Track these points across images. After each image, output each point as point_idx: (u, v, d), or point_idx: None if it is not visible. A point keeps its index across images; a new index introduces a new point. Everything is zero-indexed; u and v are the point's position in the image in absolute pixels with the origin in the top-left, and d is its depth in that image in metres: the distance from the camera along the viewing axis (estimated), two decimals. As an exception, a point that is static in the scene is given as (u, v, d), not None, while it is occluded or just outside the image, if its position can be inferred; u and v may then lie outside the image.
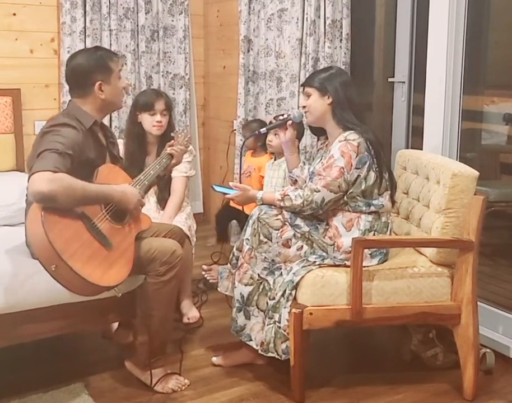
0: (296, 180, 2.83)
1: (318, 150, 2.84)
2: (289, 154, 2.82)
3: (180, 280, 2.72)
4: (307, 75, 3.59)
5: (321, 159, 2.69)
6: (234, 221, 3.95)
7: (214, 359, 2.78)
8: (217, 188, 2.76)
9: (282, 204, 2.58)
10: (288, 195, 2.57)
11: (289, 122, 2.74)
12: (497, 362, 2.75)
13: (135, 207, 2.42)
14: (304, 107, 2.68)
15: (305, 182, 2.76)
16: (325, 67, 2.98)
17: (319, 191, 2.52)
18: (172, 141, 2.77)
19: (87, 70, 2.42)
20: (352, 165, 2.51)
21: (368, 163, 2.54)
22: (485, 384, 2.64)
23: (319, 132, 2.79)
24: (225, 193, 2.74)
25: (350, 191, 2.55)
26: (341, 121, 2.60)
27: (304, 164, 2.84)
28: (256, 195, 2.67)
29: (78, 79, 2.45)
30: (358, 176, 2.53)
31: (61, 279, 2.18)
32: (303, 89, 2.70)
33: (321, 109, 2.62)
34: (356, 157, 2.51)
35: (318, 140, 2.97)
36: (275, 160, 3.50)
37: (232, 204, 3.39)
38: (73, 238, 2.21)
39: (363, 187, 2.56)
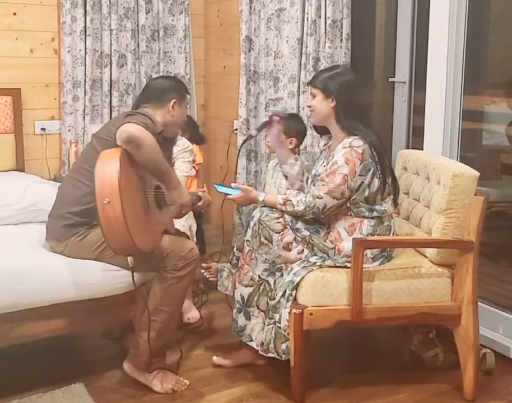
0: (286, 176, 2.83)
1: (321, 151, 2.83)
2: (277, 148, 2.86)
3: (191, 282, 2.75)
4: (307, 75, 3.60)
5: (323, 162, 2.68)
6: (238, 220, 3.94)
7: (214, 358, 2.78)
8: (219, 189, 2.75)
9: (283, 209, 2.57)
10: (290, 200, 2.56)
11: (276, 118, 2.78)
12: (497, 363, 2.75)
13: (182, 204, 2.55)
14: (309, 106, 2.67)
15: (298, 179, 2.77)
16: (331, 66, 2.93)
17: (322, 198, 2.51)
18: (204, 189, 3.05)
19: (169, 87, 2.72)
20: (355, 172, 2.49)
21: (372, 170, 2.53)
22: (486, 385, 2.64)
23: (323, 131, 2.76)
24: (227, 194, 2.72)
25: (354, 197, 2.54)
26: (345, 126, 2.58)
27: (296, 160, 2.83)
28: (258, 197, 2.66)
29: (157, 92, 2.70)
30: (362, 182, 2.52)
31: (106, 217, 2.25)
32: (310, 87, 2.69)
33: (325, 111, 2.61)
34: (360, 164, 2.50)
35: (321, 137, 2.96)
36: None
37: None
38: (132, 190, 2.35)
39: (366, 193, 2.55)
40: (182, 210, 2.60)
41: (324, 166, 2.62)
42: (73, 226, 2.51)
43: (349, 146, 2.51)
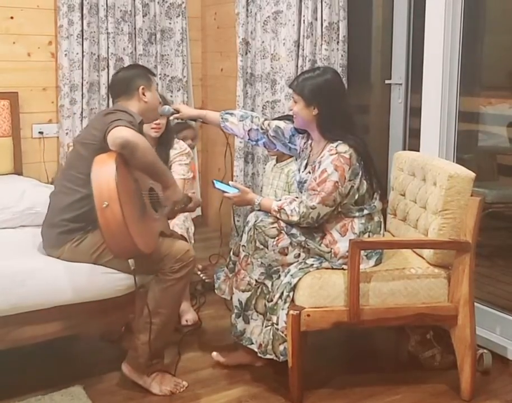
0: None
1: (302, 150, 2.78)
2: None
3: (188, 283, 2.76)
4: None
5: (306, 167, 2.66)
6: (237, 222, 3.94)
7: (214, 353, 2.79)
8: (217, 185, 2.75)
9: (277, 216, 2.58)
10: (284, 209, 2.56)
11: (170, 117, 3.02)
12: (494, 363, 2.76)
13: (176, 201, 2.58)
14: (290, 110, 2.68)
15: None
16: (312, 68, 2.85)
17: (315, 208, 2.51)
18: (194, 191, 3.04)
19: (132, 77, 2.70)
20: (345, 178, 2.50)
21: (360, 174, 2.54)
22: (483, 385, 2.65)
23: (304, 130, 2.74)
24: (224, 192, 2.72)
25: (344, 202, 2.55)
26: (326, 134, 2.58)
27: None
28: (255, 200, 2.66)
29: (123, 84, 2.69)
30: (352, 187, 2.53)
31: (104, 221, 2.26)
32: (292, 92, 2.67)
33: (307, 118, 2.60)
34: (349, 169, 2.50)
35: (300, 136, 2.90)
36: (277, 162, 3.48)
37: None
38: (129, 192, 2.37)
39: (356, 197, 2.56)
40: (175, 207, 2.62)
41: (310, 173, 2.61)
42: (68, 232, 2.51)
43: (336, 153, 2.50)
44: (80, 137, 2.64)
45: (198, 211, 4.80)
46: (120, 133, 2.32)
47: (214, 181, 2.78)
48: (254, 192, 2.84)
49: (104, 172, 2.28)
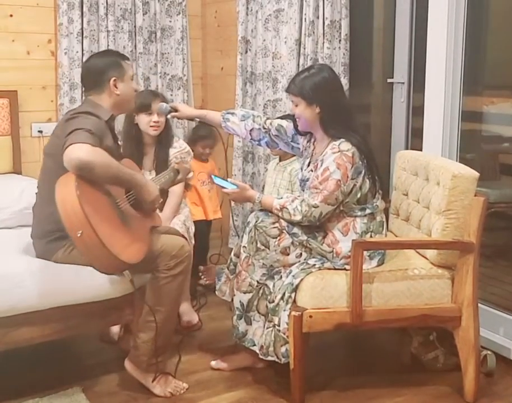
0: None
1: (305, 148, 2.76)
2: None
3: (186, 278, 2.73)
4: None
5: (310, 167, 2.64)
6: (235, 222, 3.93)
7: (213, 363, 2.76)
8: (216, 180, 2.73)
9: (279, 214, 2.55)
10: (286, 208, 2.53)
11: (168, 116, 2.96)
12: (498, 365, 2.74)
13: (153, 201, 2.48)
14: (293, 115, 2.64)
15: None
16: (306, 68, 2.79)
17: (318, 207, 2.49)
18: (180, 159, 2.91)
19: (102, 68, 2.56)
20: (348, 176, 2.48)
21: (363, 172, 2.52)
22: (486, 387, 2.63)
23: (305, 132, 2.72)
24: (222, 187, 2.69)
25: (347, 200, 2.53)
26: (330, 131, 2.55)
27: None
28: (255, 197, 2.64)
29: (94, 76, 2.57)
30: (354, 185, 2.51)
31: (84, 247, 2.22)
32: (288, 94, 2.64)
33: (311, 118, 2.57)
34: (352, 167, 2.48)
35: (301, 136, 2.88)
36: (280, 161, 3.46)
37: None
38: (100, 210, 2.28)
39: (358, 195, 2.54)
40: (155, 205, 2.54)
41: (312, 171, 2.59)
42: (57, 240, 2.47)
43: (339, 151, 2.48)
44: (48, 147, 2.56)
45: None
46: (74, 153, 2.19)
47: (213, 176, 2.76)
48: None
49: (68, 200, 2.19)
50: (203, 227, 3.63)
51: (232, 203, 3.32)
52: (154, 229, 2.59)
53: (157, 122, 3.18)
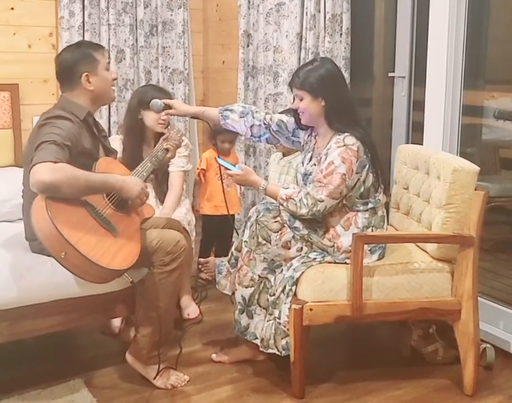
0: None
1: (306, 142, 2.74)
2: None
3: (183, 272, 2.72)
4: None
5: (311, 159, 2.63)
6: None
7: (214, 356, 2.77)
8: (220, 161, 2.68)
9: (284, 204, 2.53)
10: (293, 199, 2.51)
11: (162, 113, 2.93)
12: (497, 358, 2.75)
13: (138, 196, 2.42)
14: (296, 109, 2.59)
15: None
16: (308, 61, 2.74)
17: (323, 201, 2.48)
18: (166, 135, 2.79)
19: (72, 63, 2.46)
20: (353, 171, 2.47)
21: (367, 166, 2.52)
22: (486, 380, 2.64)
23: (306, 126, 2.70)
24: (227, 168, 2.64)
25: (350, 195, 2.53)
26: (335, 125, 2.54)
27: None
28: (260, 184, 2.59)
29: (65, 73, 2.49)
30: (358, 179, 2.51)
31: (72, 266, 2.18)
32: (292, 89, 2.60)
33: (316, 112, 2.55)
34: (356, 161, 2.47)
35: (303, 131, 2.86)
36: (283, 156, 3.43)
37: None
38: (79, 225, 2.22)
39: (361, 189, 2.54)
40: (142, 199, 2.46)
41: (315, 165, 2.58)
42: None
43: (344, 145, 2.47)
44: (24, 154, 2.49)
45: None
46: (36, 177, 2.13)
47: (217, 157, 2.73)
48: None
49: (44, 226, 2.15)
50: (221, 222, 3.54)
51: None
52: (148, 222, 2.56)
53: (165, 119, 3.18)
